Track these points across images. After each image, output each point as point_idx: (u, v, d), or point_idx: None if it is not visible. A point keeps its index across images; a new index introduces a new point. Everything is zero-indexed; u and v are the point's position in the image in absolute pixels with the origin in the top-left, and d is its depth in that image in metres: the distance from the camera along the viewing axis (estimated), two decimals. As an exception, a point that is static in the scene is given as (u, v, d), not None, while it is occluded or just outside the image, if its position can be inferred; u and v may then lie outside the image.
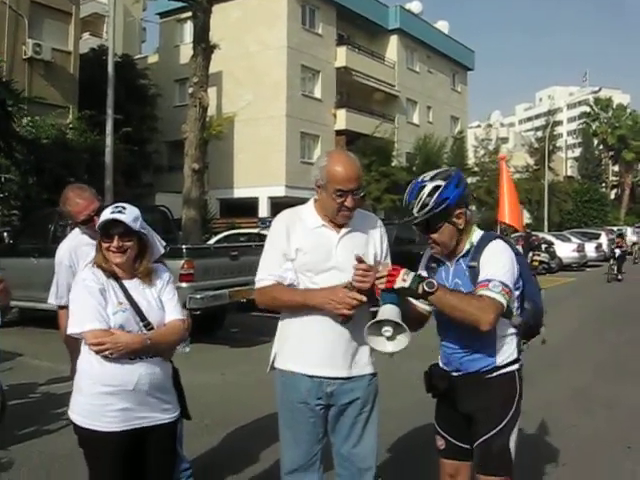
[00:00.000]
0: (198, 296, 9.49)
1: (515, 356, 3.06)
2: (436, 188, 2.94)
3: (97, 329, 2.89)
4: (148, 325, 3.02)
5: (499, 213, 9.98)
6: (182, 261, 9.43)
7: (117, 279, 3.06)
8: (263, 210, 32.68)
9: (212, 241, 16.19)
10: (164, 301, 3.15)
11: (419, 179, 3.05)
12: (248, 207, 32.12)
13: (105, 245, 3.02)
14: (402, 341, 2.74)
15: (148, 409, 3.02)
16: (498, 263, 2.92)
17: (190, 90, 18.49)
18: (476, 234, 3.08)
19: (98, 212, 3.76)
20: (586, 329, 12.29)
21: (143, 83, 32.19)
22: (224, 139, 30.05)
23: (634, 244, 36.62)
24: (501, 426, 2.96)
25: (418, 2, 46.40)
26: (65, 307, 3.64)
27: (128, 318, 2.98)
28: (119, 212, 3.01)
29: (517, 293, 3.03)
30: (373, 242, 3.18)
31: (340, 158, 3.05)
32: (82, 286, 2.99)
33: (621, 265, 23.74)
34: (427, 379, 3.22)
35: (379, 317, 2.71)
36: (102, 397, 2.94)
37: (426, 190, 2.95)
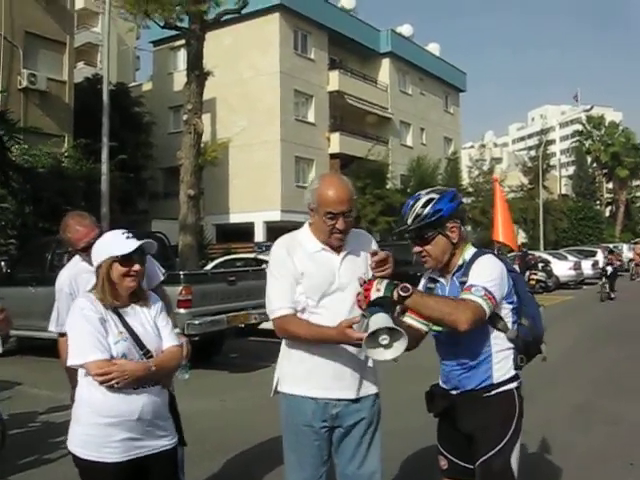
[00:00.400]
0: (196, 322, 9.48)
1: (513, 373, 3.06)
2: (430, 200, 3.03)
3: (100, 359, 2.84)
4: (147, 353, 2.99)
5: (494, 232, 10.09)
6: (180, 287, 9.42)
7: (114, 308, 3.02)
8: (259, 235, 32.71)
9: (209, 267, 16.18)
10: (160, 328, 3.13)
11: (415, 195, 3.13)
12: (244, 232, 32.14)
13: (123, 270, 2.98)
14: (400, 346, 2.73)
15: (148, 437, 2.98)
16: (484, 272, 2.95)
17: (184, 117, 18.62)
18: (469, 251, 3.11)
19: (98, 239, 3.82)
20: (583, 347, 12.29)
21: (137, 111, 32.38)
22: (219, 165, 30.13)
23: (630, 260, 36.70)
24: (501, 445, 2.95)
25: (409, 25, 46.87)
26: (65, 334, 3.65)
27: (129, 347, 2.94)
28: (134, 237, 3.04)
29: (510, 307, 3.05)
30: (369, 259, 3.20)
31: (331, 181, 3.09)
32: (80, 315, 2.94)
33: (613, 283, 22.88)
34: (428, 398, 3.23)
35: (372, 329, 2.70)
36: (103, 428, 2.89)
37: (420, 202, 3.04)
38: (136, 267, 3.00)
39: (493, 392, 3.02)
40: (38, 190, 18.69)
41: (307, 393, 3.04)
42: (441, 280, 3.16)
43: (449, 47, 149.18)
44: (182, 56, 30.01)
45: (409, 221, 3.05)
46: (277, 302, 3.04)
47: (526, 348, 3.09)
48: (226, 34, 32.15)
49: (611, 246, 33.50)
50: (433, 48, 49.54)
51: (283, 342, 3.20)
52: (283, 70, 33.58)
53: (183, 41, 20.97)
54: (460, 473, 3.16)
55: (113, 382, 2.83)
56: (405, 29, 45.98)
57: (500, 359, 3.04)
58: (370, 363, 3.14)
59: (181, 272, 10.28)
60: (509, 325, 3.04)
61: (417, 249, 3.11)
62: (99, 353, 2.84)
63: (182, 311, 9.35)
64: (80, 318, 2.93)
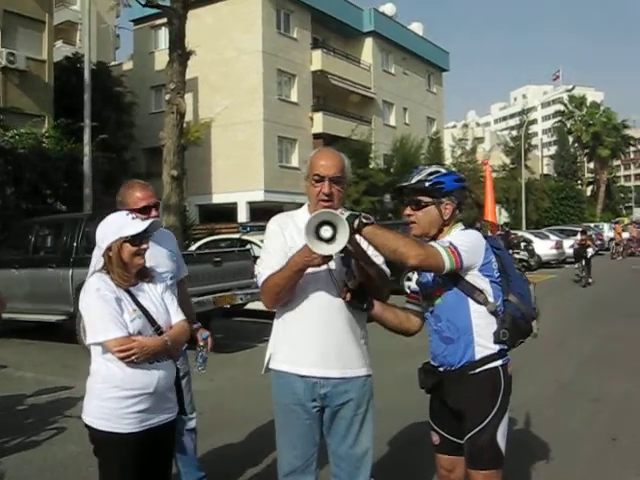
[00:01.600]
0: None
1: (496, 348, 3.06)
2: (437, 172, 3.16)
3: (120, 337, 2.98)
4: (159, 329, 3.14)
5: (485, 213, 10.22)
6: (165, 268, 9.39)
7: (125, 287, 3.14)
8: (242, 215, 32.63)
9: (193, 247, 16.14)
10: (167, 304, 3.28)
11: (426, 165, 3.27)
12: (227, 212, 32.07)
13: (133, 249, 3.11)
14: (341, 241, 2.74)
15: (159, 409, 3.14)
16: (458, 236, 3.04)
17: (167, 97, 18.43)
18: (457, 229, 3.16)
19: (156, 206, 3.99)
20: (568, 325, 12.41)
21: (119, 90, 32.02)
22: (202, 145, 30.02)
23: (611, 239, 37.04)
24: (486, 422, 3.01)
25: (392, 4, 46.69)
26: None
27: (144, 324, 3.09)
28: (137, 218, 3.18)
29: (489, 280, 3.08)
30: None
31: (323, 150, 3.24)
32: (97, 296, 3.05)
33: (590, 267, 20.83)
34: (420, 375, 3.28)
35: (313, 222, 2.74)
36: (121, 401, 3.02)
37: (428, 170, 3.18)
38: (144, 245, 3.16)
39: (477, 370, 3.05)
40: (19, 171, 18.51)
41: (294, 370, 3.07)
42: None
43: (432, 26, 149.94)
44: (163, 35, 29.80)
45: (411, 181, 3.16)
46: (265, 273, 3.06)
47: (515, 325, 3.09)
48: (208, 13, 31.90)
49: (592, 225, 33.10)
50: (416, 27, 49.46)
51: (275, 321, 3.21)
52: (266, 49, 33.37)
53: (164, 20, 20.76)
54: (452, 448, 3.22)
55: (133, 357, 2.98)
56: (388, 8, 45.81)
57: (480, 333, 3.05)
58: (360, 345, 3.15)
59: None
60: (490, 299, 3.06)
61: (408, 212, 3.18)
62: (118, 331, 2.99)
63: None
64: (97, 298, 3.05)
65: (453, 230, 3.14)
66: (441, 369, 3.16)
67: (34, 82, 24.95)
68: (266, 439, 4.88)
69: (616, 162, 72.68)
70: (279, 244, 3.09)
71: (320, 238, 2.75)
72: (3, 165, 18.12)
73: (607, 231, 41.18)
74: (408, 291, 3.44)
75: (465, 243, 2.98)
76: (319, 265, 2.88)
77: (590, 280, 20.59)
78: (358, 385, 3.14)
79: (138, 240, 3.11)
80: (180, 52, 18.04)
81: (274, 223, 3.21)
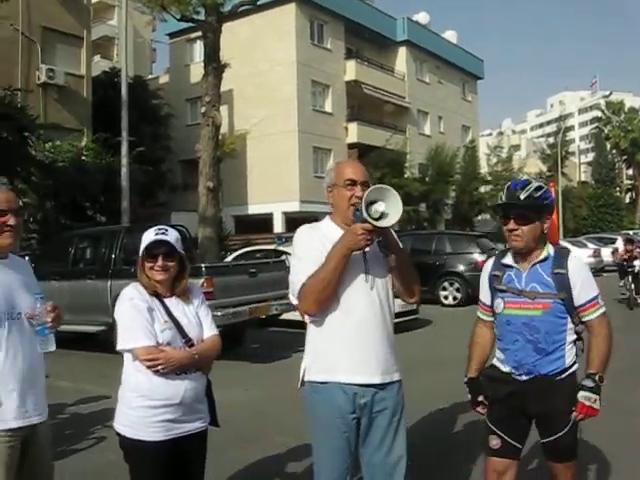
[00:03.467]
0: (219, 313, 9.54)
1: (575, 359, 3.34)
2: (542, 187, 3.26)
3: (149, 345, 3.06)
4: (189, 341, 3.20)
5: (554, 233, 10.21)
6: (202, 279, 9.49)
7: (159, 298, 3.21)
8: (278, 226, 32.78)
9: (229, 258, 16.26)
10: (201, 318, 3.33)
11: (522, 179, 3.47)
12: (262, 223, 32.24)
13: (149, 265, 3.19)
14: (396, 209, 2.89)
15: (187, 419, 3.19)
16: (591, 281, 3.34)
17: (202, 109, 18.69)
18: (549, 246, 3.34)
19: (12, 212, 3.55)
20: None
21: (155, 103, 32.48)
22: (237, 157, 30.22)
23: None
24: (570, 425, 3.27)
25: (425, 13, 46.66)
26: None
27: (174, 335, 3.15)
28: (162, 234, 3.19)
29: None
30: None
31: (346, 160, 3.42)
32: (130, 305, 3.14)
33: (639, 283, 16.90)
34: (480, 386, 3.48)
35: (365, 201, 2.86)
36: (147, 410, 3.09)
37: (534, 185, 3.26)
38: (159, 262, 3.18)
39: (563, 375, 3.29)
40: (58, 184, 18.85)
41: (335, 379, 3.06)
42: (516, 266, 3.34)
43: (466, 34, 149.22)
44: (198, 48, 30.08)
45: (521, 197, 3.22)
46: (300, 281, 3.05)
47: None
48: (242, 25, 32.16)
49: (631, 233, 31.87)
50: (450, 36, 49.26)
51: (308, 332, 3.22)
52: (300, 60, 33.57)
53: (199, 33, 21.01)
54: (511, 452, 3.40)
55: (159, 367, 3.05)
56: (422, 17, 45.79)
57: (570, 347, 3.31)
58: (394, 349, 3.19)
59: (202, 264, 10.36)
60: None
61: (512, 226, 3.27)
62: (147, 340, 3.07)
63: (207, 305, 9.40)
64: (130, 307, 3.14)
65: (549, 247, 3.33)
66: (524, 377, 3.31)
67: (73, 97, 25.46)
68: (302, 450, 4.92)
69: (656, 168, 71.23)
70: (313, 252, 3.08)
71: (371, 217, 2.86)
72: (43, 179, 18.47)
73: (647, 239, 40.41)
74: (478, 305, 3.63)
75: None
76: (365, 246, 2.95)
77: (639, 301, 16.65)
78: (394, 392, 3.17)
79: (153, 256, 3.18)
80: (215, 65, 18.28)
81: (304, 232, 3.25)
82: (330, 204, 3.27)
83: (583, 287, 3.25)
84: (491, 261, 3.51)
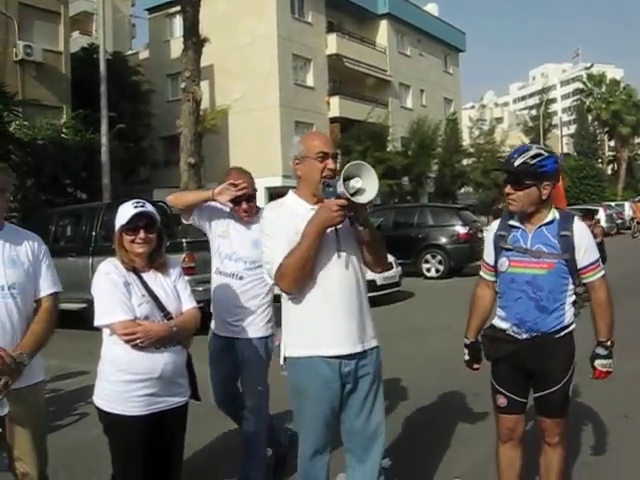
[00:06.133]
0: (200, 288, 9.52)
1: (573, 318, 3.53)
2: (539, 154, 3.37)
3: (126, 320, 3.05)
4: (168, 315, 3.20)
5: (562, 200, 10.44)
6: (183, 255, 9.50)
7: (136, 272, 3.21)
8: (260, 201, 32.50)
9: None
10: (179, 291, 3.33)
11: (526, 145, 3.55)
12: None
13: (130, 237, 3.17)
14: (372, 185, 2.96)
15: (167, 393, 3.20)
16: (593, 244, 3.48)
17: (182, 85, 18.56)
18: (554, 210, 3.49)
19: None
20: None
21: (135, 79, 32.14)
22: (219, 132, 30.07)
23: (632, 219, 36.63)
24: (565, 380, 3.48)
25: (407, -15, 46.30)
26: None
27: (152, 309, 3.15)
28: (142, 206, 3.17)
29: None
30: None
31: (312, 133, 3.36)
32: (106, 280, 3.13)
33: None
34: (487, 344, 3.59)
35: (345, 174, 2.91)
36: (128, 384, 3.10)
37: (531, 152, 3.38)
38: (141, 234, 3.16)
39: (562, 333, 3.47)
40: (38, 162, 18.71)
41: (319, 352, 3.07)
42: (522, 227, 3.46)
43: (447, 7, 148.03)
44: (178, 23, 29.81)
45: (515, 164, 3.37)
46: (274, 264, 3.03)
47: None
48: (221, -1, 31.87)
49: (612, 204, 31.50)
50: (431, 8, 49.14)
51: (284, 309, 3.21)
52: (280, 34, 33.33)
53: (178, 7, 20.80)
54: (517, 408, 3.58)
55: (138, 341, 3.04)
56: (403, -11, 45.42)
57: (569, 308, 3.49)
58: (369, 317, 3.21)
59: (184, 239, 10.34)
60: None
61: (509, 190, 3.42)
62: (124, 314, 3.06)
63: (186, 278, 9.41)
64: (106, 282, 3.13)
65: (555, 212, 3.44)
66: (525, 335, 3.44)
67: (51, 74, 25.15)
68: (283, 418, 4.95)
69: (637, 140, 71.42)
70: (283, 230, 3.07)
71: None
72: (22, 157, 18.32)
73: (627, 210, 40.74)
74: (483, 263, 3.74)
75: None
76: (340, 222, 2.97)
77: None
78: (373, 358, 3.21)
79: (134, 229, 3.15)
80: (194, 40, 18.13)
81: (272, 210, 3.24)
82: (296, 177, 3.25)
83: (587, 250, 3.41)
84: (497, 222, 3.65)
